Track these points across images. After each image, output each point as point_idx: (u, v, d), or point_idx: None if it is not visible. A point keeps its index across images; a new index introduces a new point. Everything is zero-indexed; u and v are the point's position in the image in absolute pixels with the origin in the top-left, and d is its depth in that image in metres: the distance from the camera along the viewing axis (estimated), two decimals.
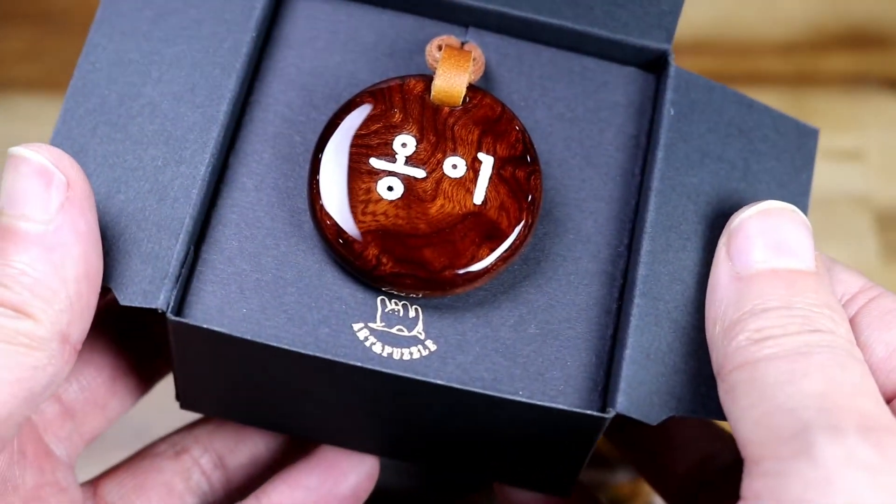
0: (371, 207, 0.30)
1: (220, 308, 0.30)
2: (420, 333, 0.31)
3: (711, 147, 0.32)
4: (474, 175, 0.31)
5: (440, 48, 0.32)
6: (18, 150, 0.28)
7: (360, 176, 0.31)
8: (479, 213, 0.30)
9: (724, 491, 0.36)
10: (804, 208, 0.33)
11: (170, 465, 0.36)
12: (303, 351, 0.29)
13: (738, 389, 0.27)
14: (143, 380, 0.36)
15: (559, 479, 0.34)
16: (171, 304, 0.29)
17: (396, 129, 0.31)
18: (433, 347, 0.31)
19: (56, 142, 0.31)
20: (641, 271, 0.31)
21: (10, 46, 0.57)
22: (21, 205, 0.27)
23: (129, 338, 0.36)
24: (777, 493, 0.25)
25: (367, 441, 0.35)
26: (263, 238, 0.31)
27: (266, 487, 0.36)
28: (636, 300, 0.30)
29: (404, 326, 0.31)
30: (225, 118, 0.31)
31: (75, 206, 0.28)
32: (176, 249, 0.30)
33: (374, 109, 0.31)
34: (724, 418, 0.28)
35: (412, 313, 0.31)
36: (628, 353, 0.30)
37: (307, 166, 0.32)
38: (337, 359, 0.29)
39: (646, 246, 0.31)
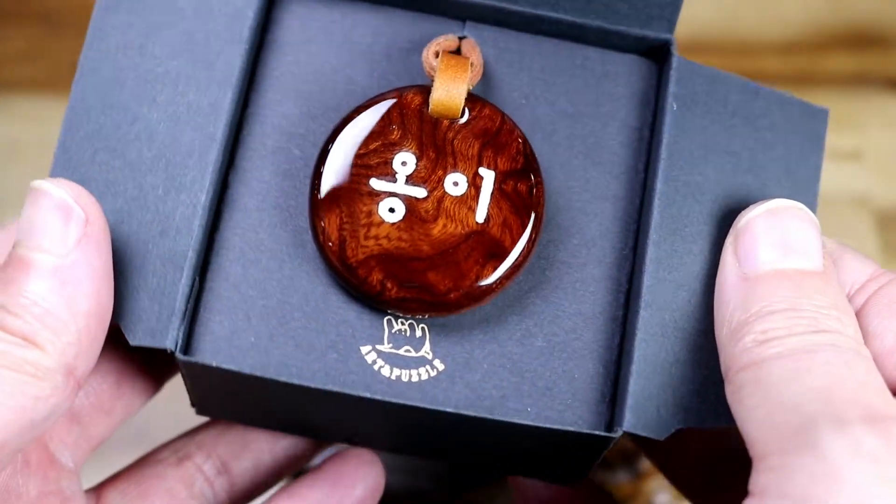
0: (373, 231, 0.30)
1: (228, 338, 0.31)
2: (427, 353, 0.31)
3: (716, 140, 0.32)
4: (476, 192, 0.31)
5: (437, 55, 0.32)
6: (40, 184, 0.28)
7: (360, 198, 0.30)
8: (481, 231, 0.30)
9: (739, 474, 0.36)
10: (814, 194, 0.32)
11: (172, 472, 0.36)
12: (311, 385, 0.29)
13: (744, 390, 0.27)
14: (150, 383, 0.36)
15: (570, 475, 0.34)
16: (179, 341, 0.30)
17: (395, 147, 0.31)
18: (441, 367, 0.31)
19: (56, 171, 0.31)
20: (646, 281, 0.30)
21: (10, 46, 0.57)
22: (39, 237, 0.28)
23: None
24: (783, 487, 0.25)
25: (383, 441, 0.36)
26: (267, 261, 0.31)
27: (271, 502, 0.36)
28: (641, 312, 0.30)
29: (412, 347, 0.31)
30: (223, 138, 0.31)
31: (92, 242, 0.28)
32: (181, 284, 0.30)
33: (372, 126, 0.31)
34: (734, 422, 0.28)
35: (419, 332, 0.31)
36: (634, 367, 0.30)
37: (307, 182, 0.31)
38: (345, 391, 0.29)
39: (650, 254, 0.31)
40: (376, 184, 0.30)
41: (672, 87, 0.32)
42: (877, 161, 0.57)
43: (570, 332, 0.31)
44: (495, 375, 0.31)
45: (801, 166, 0.32)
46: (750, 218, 0.30)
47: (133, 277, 0.30)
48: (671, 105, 0.32)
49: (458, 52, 0.32)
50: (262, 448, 0.37)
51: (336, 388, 0.30)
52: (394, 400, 0.30)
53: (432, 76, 0.31)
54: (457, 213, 0.30)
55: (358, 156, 0.31)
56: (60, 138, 0.31)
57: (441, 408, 0.30)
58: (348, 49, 0.33)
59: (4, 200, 0.55)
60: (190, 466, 0.36)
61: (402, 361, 0.31)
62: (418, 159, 0.31)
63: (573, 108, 0.33)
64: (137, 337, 0.30)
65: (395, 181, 0.30)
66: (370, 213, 0.30)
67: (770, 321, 0.28)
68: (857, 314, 0.30)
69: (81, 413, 0.34)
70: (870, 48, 0.59)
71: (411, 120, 0.31)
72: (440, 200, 0.30)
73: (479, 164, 0.31)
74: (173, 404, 0.38)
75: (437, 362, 0.31)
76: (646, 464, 0.51)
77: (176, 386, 0.35)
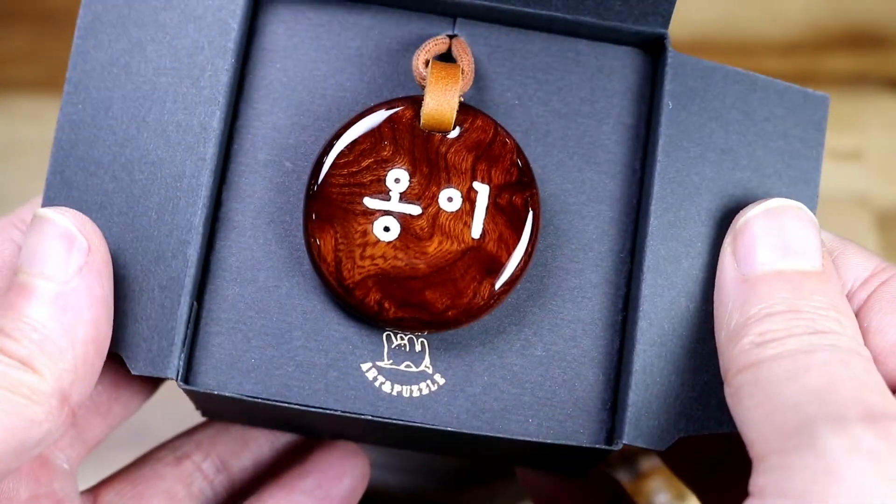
0: (369, 251, 0.30)
1: (229, 361, 0.31)
2: (428, 368, 0.31)
3: (713, 138, 0.31)
4: (471, 207, 0.30)
5: (427, 63, 0.31)
6: (44, 212, 0.28)
7: (354, 217, 0.30)
8: (477, 247, 0.30)
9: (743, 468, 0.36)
10: (815, 185, 0.32)
11: (171, 472, 0.36)
12: (313, 409, 0.30)
13: (742, 391, 0.27)
14: (146, 384, 0.36)
15: (573, 473, 0.35)
16: (180, 370, 0.30)
17: (388, 164, 0.30)
18: (441, 381, 0.31)
19: (50, 195, 0.30)
20: (644, 290, 0.30)
21: (10, 46, 0.57)
22: (41, 264, 0.28)
23: None
24: (782, 486, 0.25)
25: (387, 445, 0.36)
26: (265, 280, 0.31)
27: (262, 493, 0.36)
28: (640, 322, 0.30)
29: (412, 362, 0.31)
30: (213, 157, 0.30)
31: (93, 271, 0.28)
32: (180, 311, 0.30)
33: (363, 143, 0.30)
34: (735, 428, 0.28)
35: (419, 347, 0.31)
36: (634, 378, 0.30)
37: (300, 196, 0.31)
38: (347, 413, 0.30)
39: (648, 261, 0.30)
40: (370, 202, 0.30)
41: (668, 84, 0.31)
42: (877, 161, 0.56)
43: (569, 339, 0.31)
44: (496, 388, 0.31)
45: (801, 158, 0.32)
46: (748, 218, 0.29)
47: (132, 305, 0.30)
48: (667, 104, 0.31)
49: (448, 52, 0.32)
50: (261, 445, 0.37)
51: (338, 410, 0.30)
52: (396, 420, 0.30)
53: (423, 85, 0.31)
54: (452, 229, 0.30)
55: (350, 174, 0.30)
56: (51, 161, 0.31)
57: (443, 427, 0.30)
58: (337, 53, 0.32)
59: (4, 200, 0.55)
60: (189, 465, 0.36)
61: (402, 377, 0.31)
62: (411, 175, 0.30)
63: (567, 107, 0.32)
64: (139, 367, 0.30)
65: (388, 199, 0.30)
66: (365, 233, 0.30)
67: (769, 323, 0.28)
68: (860, 310, 0.30)
69: (77, 414, 0.34)
70: (870, 48, 0.59)
71: (403, 135, 0.31)
72: (435, 217, 0.30)
73: (473, 179, 0.30)
74: (171, 404, 0.38)
75: (437, 377, 0.31)
76: (646, 464, 0.51)
77: (174, 386, 0.35)
